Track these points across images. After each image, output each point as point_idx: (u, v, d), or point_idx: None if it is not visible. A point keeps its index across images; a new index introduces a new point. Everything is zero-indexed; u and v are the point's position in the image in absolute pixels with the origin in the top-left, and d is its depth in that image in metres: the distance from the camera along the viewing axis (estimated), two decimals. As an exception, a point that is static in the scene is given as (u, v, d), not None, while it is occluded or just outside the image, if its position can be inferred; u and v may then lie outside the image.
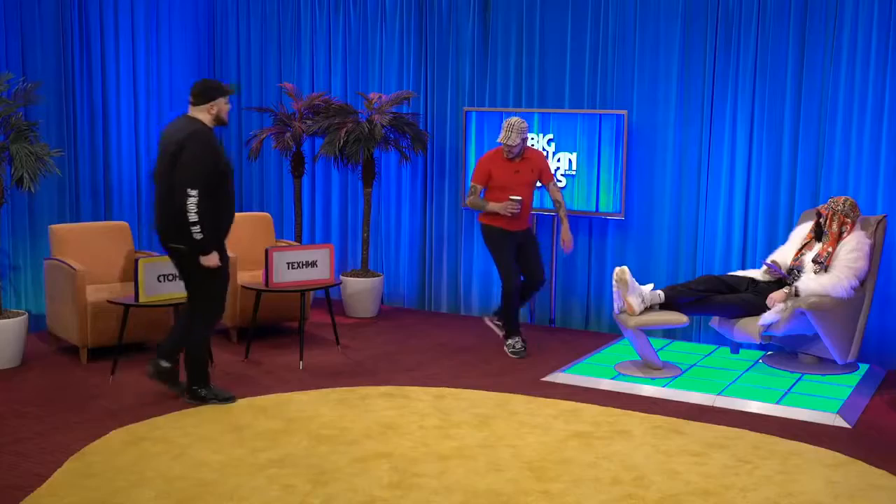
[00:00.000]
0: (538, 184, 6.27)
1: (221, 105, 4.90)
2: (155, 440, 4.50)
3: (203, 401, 5.05)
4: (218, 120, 4.93)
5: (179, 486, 3.95)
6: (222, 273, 4.97)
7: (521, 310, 6.52)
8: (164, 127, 5.09)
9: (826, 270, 5.54)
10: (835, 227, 5.62)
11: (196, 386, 5.08)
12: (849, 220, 5.61)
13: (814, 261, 5.61)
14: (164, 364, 5.01)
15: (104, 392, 5.32)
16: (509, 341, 6.27)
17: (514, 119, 6.02)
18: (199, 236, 4.71)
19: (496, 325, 6.49)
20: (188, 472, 4.10)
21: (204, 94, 4.86)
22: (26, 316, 5.91)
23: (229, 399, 5.10)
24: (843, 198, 5.69)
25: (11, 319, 5.77)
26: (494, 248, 6.21)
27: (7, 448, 4.41)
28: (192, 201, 4.66)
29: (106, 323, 5.88)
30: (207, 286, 4.93)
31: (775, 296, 5.53)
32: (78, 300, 5.81)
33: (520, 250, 6.25)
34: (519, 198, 6.06)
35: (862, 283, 5.57)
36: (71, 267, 5.86)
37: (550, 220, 7.10)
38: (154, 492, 3.88)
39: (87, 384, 5.48)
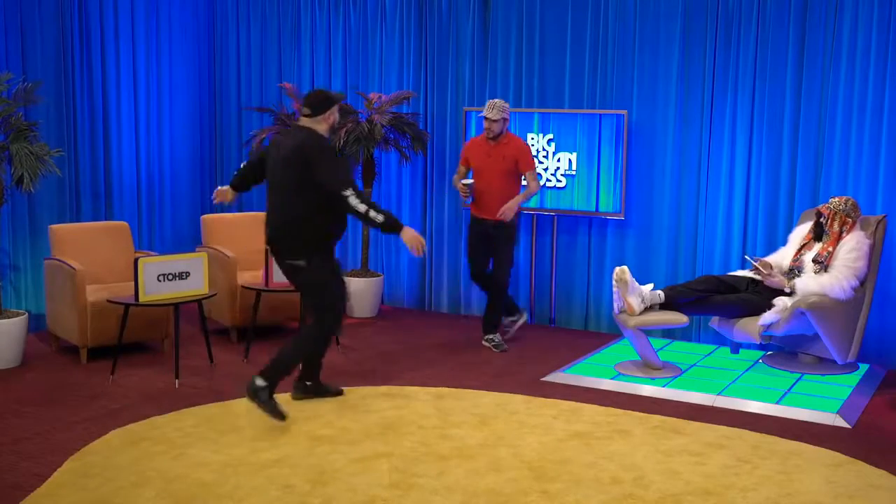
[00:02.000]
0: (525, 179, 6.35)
1: (335, 113, 4.86)
2: (155, 440, 4.50)
3: (263, 403, 4.70)
4: (332, 129, 4.93)
5: (179, 486, 3.95)
6: (337, 278, 4.93)
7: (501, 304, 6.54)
8: (275, 140, 4.97)
9: (826, 270, 5.54)
10: (836, 226, 5.61)
11: (266, 382, 4.72)
12: (850, 219, 5.61)
13: (814, 260, 5.61)
14: (264, 384, 4.68)
15: (104, 392, 5.32)
16: (489, 336, 6.43)
17: (497, 99, 6.16)
18: (380, 218, 4.63)
19: (511, 323, 6.65)
20: (188, 472, 4.10)
21: (322, 105, 4.78)
22: (26, 316, 5.91)
23: (282, 417, 4.80)
24: (844, 198, 5.69)
25: (11, 319, 5.77)
26: (467, 233, 6.50)
27: (7, 448, 4.41)
28: (353, 200, 4.60)
29: (106, 323, 5.88)
30: (327, 294, 4.84)
31: (776, 280, 5.56)
32: (78, 300, 5.82)
33: (488, 242, 6.28)
34: (470, 181, 6.20)
35: (862, 283, 5.57)
36: (71, 267, 5.86)
37: (550, 220, 7.09)
38: (154, 492, 3.88)
39: (87, 384, 5.48)
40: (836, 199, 5.68)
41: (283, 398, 5.00)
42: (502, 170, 6.18)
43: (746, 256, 6.10)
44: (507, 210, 6.12)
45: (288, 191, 4.73)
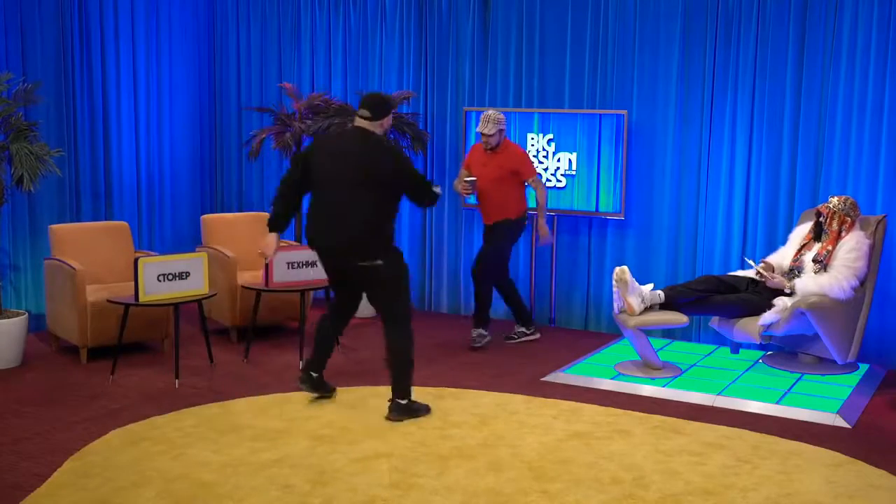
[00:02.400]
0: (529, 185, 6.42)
1: (390, 119, 4.89)
2: (155, 440, 4.50)
3: (414, 413, 4.85)
4: (386, 133, 4.94)
5: (179, 486, 3.95)
6: (408, 272, 4.94)
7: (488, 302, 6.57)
8: (326, 139, 5.03)
9: (825, 270, 5.54)
10: (835, 226, 5.61)
11: (405, 399, 4.86)
12: (849, 219, 5.61)
13: (814, 260, 5.61)
14: (403, 402, 4.84)
15: (104, 392, 5.32)
16: (479, 330, 6.45)
17: (491, 111, 6.22)
18: (437, 189, 4.85)
19: (519, 334, 6.66)
20: (188, 472, 4.10)
21: (383, 109, 4.79)
22: (26, 316, 5.91)
23: (428, 410, 4.93)
24: (843, 197, 5.68)
25: (11, 319, 5.78)
26: None
27: (7, 448, 4.41)
28: (436, 189, 4.80)
29: (106, 323, 5.88)
30: (402, 293, 4.84)
31: (776, 281, 5.56)
32: (78, 300, 5.81)
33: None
34: (473, 178, 6.27)
35: (861, 283, 5.57)
36: (71, 267, 5.86)
37: (550, 220, 7.07)
38: (154, 492, 3.88)
39: (87, 384, 5.48)
40: (836, 198, 5.68)
41: (283, 396, 5.00)
42: (498, 178, 6.26)
43: (746, 258, 6.10)
44: (546, 235, 6.43)
45: (360, 193, 4.65)
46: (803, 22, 6.16)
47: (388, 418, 4.81)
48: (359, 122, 4.78)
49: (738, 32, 6.35)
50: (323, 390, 5.18)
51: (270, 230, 5.00)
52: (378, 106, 4.78)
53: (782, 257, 5.87)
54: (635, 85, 6.74)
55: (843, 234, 5.60)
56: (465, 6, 7.30)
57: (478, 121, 7.07)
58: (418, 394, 5.26)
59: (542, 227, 6.40)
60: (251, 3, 8.18)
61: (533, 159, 6.88)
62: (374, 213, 4.69)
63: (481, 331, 6.43)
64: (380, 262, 4.71)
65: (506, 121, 6.34)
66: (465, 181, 6.30)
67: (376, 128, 4.78)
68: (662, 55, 6.62)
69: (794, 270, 5.72)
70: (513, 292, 6.58)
